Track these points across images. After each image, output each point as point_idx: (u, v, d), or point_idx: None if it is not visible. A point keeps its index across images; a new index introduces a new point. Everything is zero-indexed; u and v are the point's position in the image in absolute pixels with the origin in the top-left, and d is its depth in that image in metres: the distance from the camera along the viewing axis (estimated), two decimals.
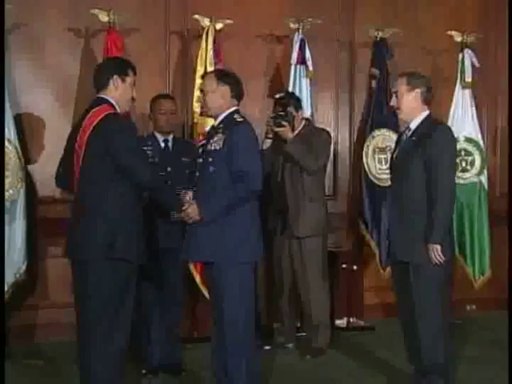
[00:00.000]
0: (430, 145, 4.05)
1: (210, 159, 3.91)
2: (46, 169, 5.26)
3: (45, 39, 5.38)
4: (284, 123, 4.87)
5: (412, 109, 4.18)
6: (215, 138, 3.92)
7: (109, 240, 3.60)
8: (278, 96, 5.13)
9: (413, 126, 4.19)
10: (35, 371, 4.78)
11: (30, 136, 5.31)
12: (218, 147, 3.88)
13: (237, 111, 3.98)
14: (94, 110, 3.68)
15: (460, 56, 5.90)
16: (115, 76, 3.75)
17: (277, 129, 4.90)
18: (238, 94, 4.01)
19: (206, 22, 5.34)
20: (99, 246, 3.60)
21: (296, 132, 5.01)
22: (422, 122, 4.17)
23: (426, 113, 4.19)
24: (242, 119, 3.94)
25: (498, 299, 6.20)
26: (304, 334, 5.43)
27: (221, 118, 3.98)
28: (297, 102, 5.14)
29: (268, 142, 5.04)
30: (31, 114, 5.32)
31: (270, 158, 5.02)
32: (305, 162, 4.96)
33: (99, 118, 3.62)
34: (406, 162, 4.15)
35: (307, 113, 5.52)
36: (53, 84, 5.39)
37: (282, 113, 4.92)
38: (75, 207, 3.76)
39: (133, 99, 3.89)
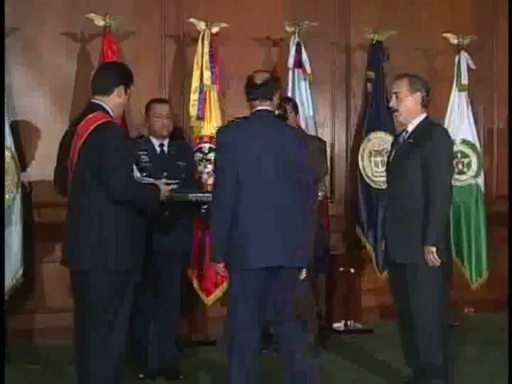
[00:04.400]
0: (427, 147, 4.07)
1: None
2: (42, 173, 5.26)
3: (41, 43, 5.38)
4: None
5: (411, 112, 4.21)
6: None
7: (103, 252, 3.58)
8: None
9: (410, 128, 4.21)
10: (33, 375, 4.78)
11: (27, 140, 5.30)
12: None
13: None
14: (89, 116, 3.64)
15: (456, 58, 5.91)
16: (122, 86, 3.73)
17: None
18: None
19: (201, 25, 5.34)
20: (94, 258, 3.58)
21: None
22: (419, 125, 4.19)
23: (424, 115, 4.22)
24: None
25: (496, 300, 6.20)
26: None
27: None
28: (294, 108, 5.20)
29: None
30: (28, 118, 5.32)
31: None
32: None
33: (94, 125, 3.59)
34: (403, 163, 4.17)
35: (310, 114, 5.59)
36: (49, 88, 5.39)
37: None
38: (68, 215, 3.73)
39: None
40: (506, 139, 6.42)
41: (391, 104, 4.28)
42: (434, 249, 4.03)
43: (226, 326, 3.86)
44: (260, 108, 3.83)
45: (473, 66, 5.89)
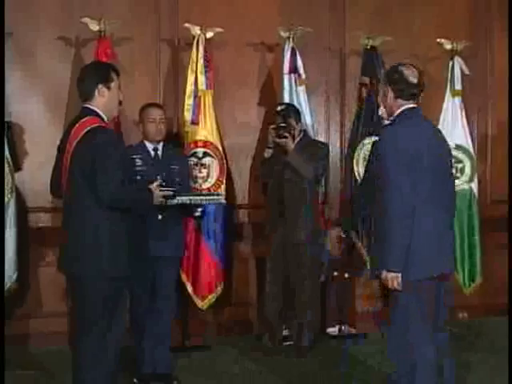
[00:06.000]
0: None
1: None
2: (36, 177, 5.26)
3: (35, 48, 5.38)
4: (286, 134, 5.07)
5: None
6: None
7: (99, 259, 3.58)
8: (279, 108, 5.27)
9: None
10: (27, 380, 4.77)
11: (21, 145, 5.30)
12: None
13: (403, 111, 3.72)
14: (80, 122, 3.64)
15: (450, 64, 5.93)
16: (100, 85, 3.70)
17: (279, 140, 5.09)
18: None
19: (196, 30, 5.35)
20: (90, 265, 3.59)
21: (295, 142, 5.18)
22: None
23: None
24: (388, 122, 3.80)
25: (491, 306, 6.21)
26: (291, 342, 5.46)
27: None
28: (296, 114, 5.31)
29: (269, 152, 5.25)
30: (22, 122, 5.31)
31: (270, 167, 5.26)
32: (303, 171, 5.14)
33: (84, 131, 3.59)
34: None
35: (308, 120, 5.64)
36: (44, 93, 5.39)
37: (283, 124, 5.11)
38: (64, 221, 3.73)
39: (120, 103, 3.86)
40: (500, 144, 6.45)
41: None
42: None
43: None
44: (411, 106, 3.70)
45: (467, 71, 5.91)
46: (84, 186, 3.59)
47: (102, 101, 3.71)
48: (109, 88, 3.72)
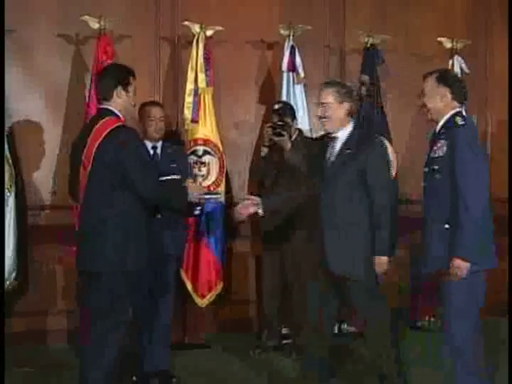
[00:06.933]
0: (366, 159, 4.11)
1: (436, 167, 3.84)
2: (36, 175, 5.28)
3: (35, 46, 5.38)
4: (283, 133, 4.99)
5: (342, 121, 4.24)
6: (438, 145, 3.84)
7: (122, 253, 3.65)
8: (276, 106, 5.23)
9: (341, 135, 4.24)
10: (28, 378, 4.77)
11: (21, 143, 5.29)
12: (441, 153, 3.81)
13: (458, 113, 3.84)
14: (102, 121, 3.71)
15: (450, 62, 5.93)
16: (119, 87, 3.80)
17: (277, 138, 5.00)
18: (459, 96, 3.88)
19: (196, 28, 5.35)
20: (113, 260, 3.65)
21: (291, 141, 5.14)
22: (350, 134, 4.24)
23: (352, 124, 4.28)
24: (463, 122, 3.79)
25: (491, 305, 6.15)
26: (291, 340, 5.45)
27: (442, 121, 3.87)
28: (292, 112, 5.27)
29: (265, 150, 5.20)
30: (21, 121, 5.31)
31: (266, 165, 5.22)
32: (303, 169, 5.02)
33: (108, 130, 3.65)
34: (344, 172, 4.18)
35: (305, 118, 5.63)
36: (43, 91, 5.38)
37: (280, 123, 5.04)
38: (83, 218, 3.78)
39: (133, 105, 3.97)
40: (500, 143, 6.44)
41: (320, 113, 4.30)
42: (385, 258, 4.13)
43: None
44: (460, 109, 3.84)
45: (467, 70, 5.91)
46: (103, 185, 3.65)
47: (119, 102, 3.80)
48: (127, 91, 3.82)
